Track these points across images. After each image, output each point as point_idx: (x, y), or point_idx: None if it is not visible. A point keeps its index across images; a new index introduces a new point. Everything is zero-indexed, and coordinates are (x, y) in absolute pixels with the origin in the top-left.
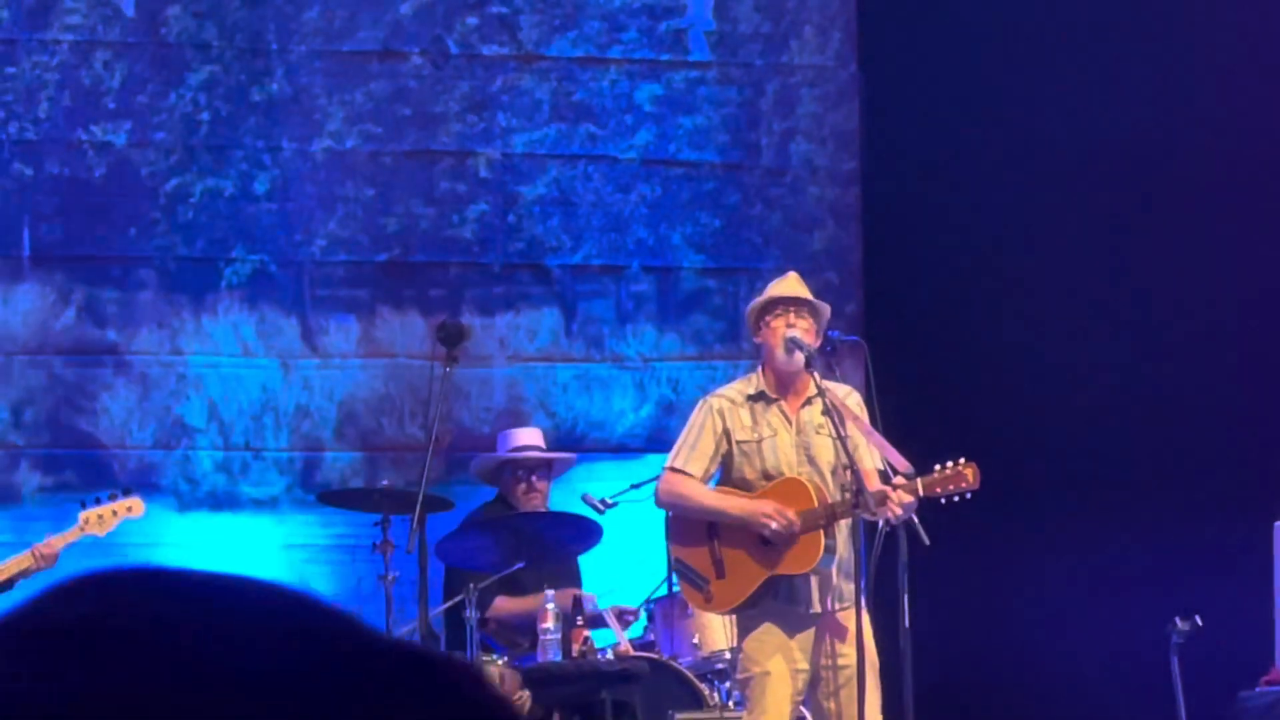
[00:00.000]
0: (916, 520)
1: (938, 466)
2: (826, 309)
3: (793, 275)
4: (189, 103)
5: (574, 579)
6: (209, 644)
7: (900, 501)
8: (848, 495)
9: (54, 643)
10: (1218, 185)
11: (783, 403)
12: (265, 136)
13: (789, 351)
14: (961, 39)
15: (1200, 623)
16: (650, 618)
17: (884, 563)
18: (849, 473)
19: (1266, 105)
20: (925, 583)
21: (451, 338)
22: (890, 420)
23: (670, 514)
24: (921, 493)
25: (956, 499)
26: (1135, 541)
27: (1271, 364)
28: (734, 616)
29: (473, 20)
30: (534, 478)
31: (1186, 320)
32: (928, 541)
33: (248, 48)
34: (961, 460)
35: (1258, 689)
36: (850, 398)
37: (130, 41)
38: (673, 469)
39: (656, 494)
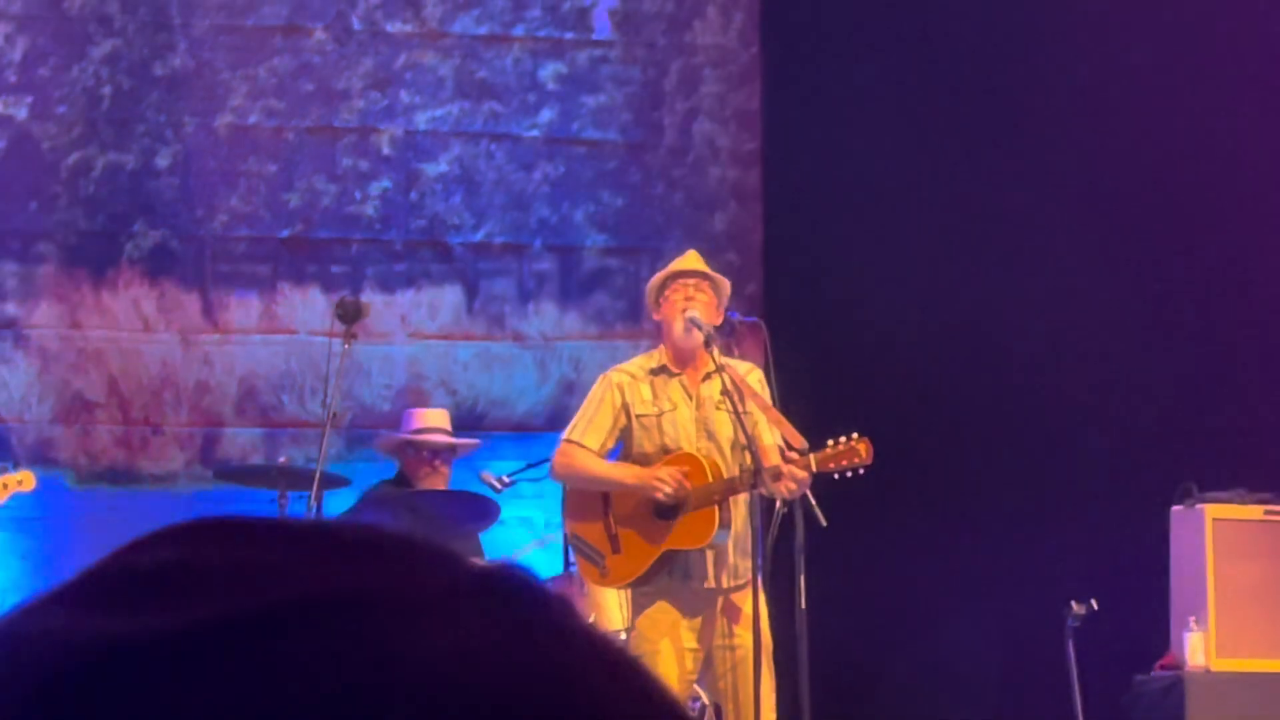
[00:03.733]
0: (813, 501)
1: (830, 442)
2: (727, 284)
3: (692, 252)
4: (91, 76)
5: (475, 557)
6: (291, 580)
7: (794, 477)
8: (745, 471)
9: (130, 586)
10: (1127, 168)
11: (683, 377)
12: (168, 111)
13: (687, 330)
14: (862, 20)
15: (1096, 607)
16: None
17: (780, 544)
18: (747, 452)
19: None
20: (821, 564)
21: (350, 315)
22: (789, 401)
23: (566, 489)
24: (815, 468)
25: (850, 474)
26: (1032, 525)
27: (1169, 350)
28: (629, 595)
29: None
30: (437, 461)
31: (1085, 306)
32: (824, 523)
33: (151, 21)
34: (854, 435)
35: (1153, 673)
36: (751, 375)
37: (33, 14)
38: (569, 440)
39: (551, 466)
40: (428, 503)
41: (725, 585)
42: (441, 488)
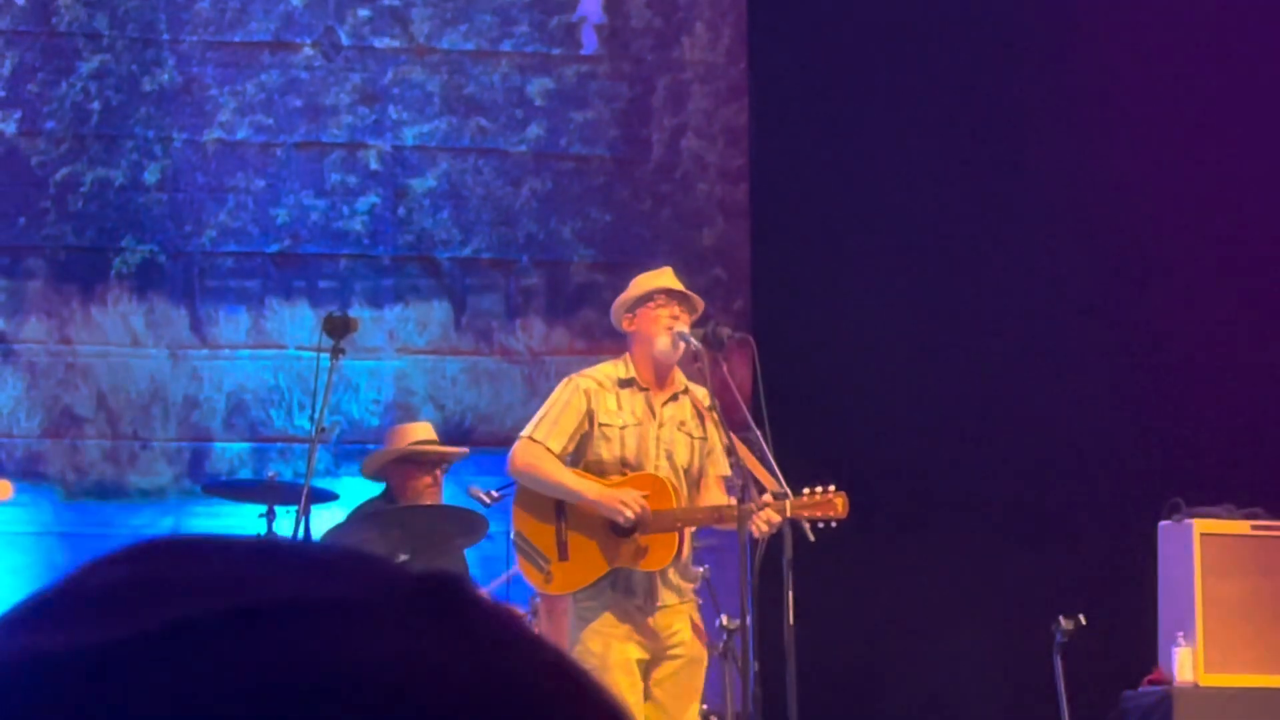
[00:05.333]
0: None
1: (807, 490)
2: (701, 304)
3: (669, 270)
4: (79, 92)
5: (459, 572)
6: (231, 592)
7: (769, 521)
8: (733, 499)
9: (78, 604)
10: (1116, 185)
11: (650, 394)
12: (156, 126)
13: (675, 346)
14: (851, 37)
15: (1084, 622)
16: (534, 612)
17: (768, 560)
18: (735, 470)
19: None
20: (809, 580)
21: (338, 330)
22: (775, 416)
23: (519, 487)
24: (789, 514)
25: (823, 526)
26: (1020, 540)
27: (1157, 365)
28: (573, 607)
29: (364, 12)
30: (438, 472)
31: (1075, 320)
32: (812, 538)
33: (139, 37)
34: (832, 487)
35: (1141, 689)
36: (707, 400)
37: (21, 30)
38: (532, 439)
39: (511, 461)
40: (415, 518)
41: (667, 602)
42: (438, 499)
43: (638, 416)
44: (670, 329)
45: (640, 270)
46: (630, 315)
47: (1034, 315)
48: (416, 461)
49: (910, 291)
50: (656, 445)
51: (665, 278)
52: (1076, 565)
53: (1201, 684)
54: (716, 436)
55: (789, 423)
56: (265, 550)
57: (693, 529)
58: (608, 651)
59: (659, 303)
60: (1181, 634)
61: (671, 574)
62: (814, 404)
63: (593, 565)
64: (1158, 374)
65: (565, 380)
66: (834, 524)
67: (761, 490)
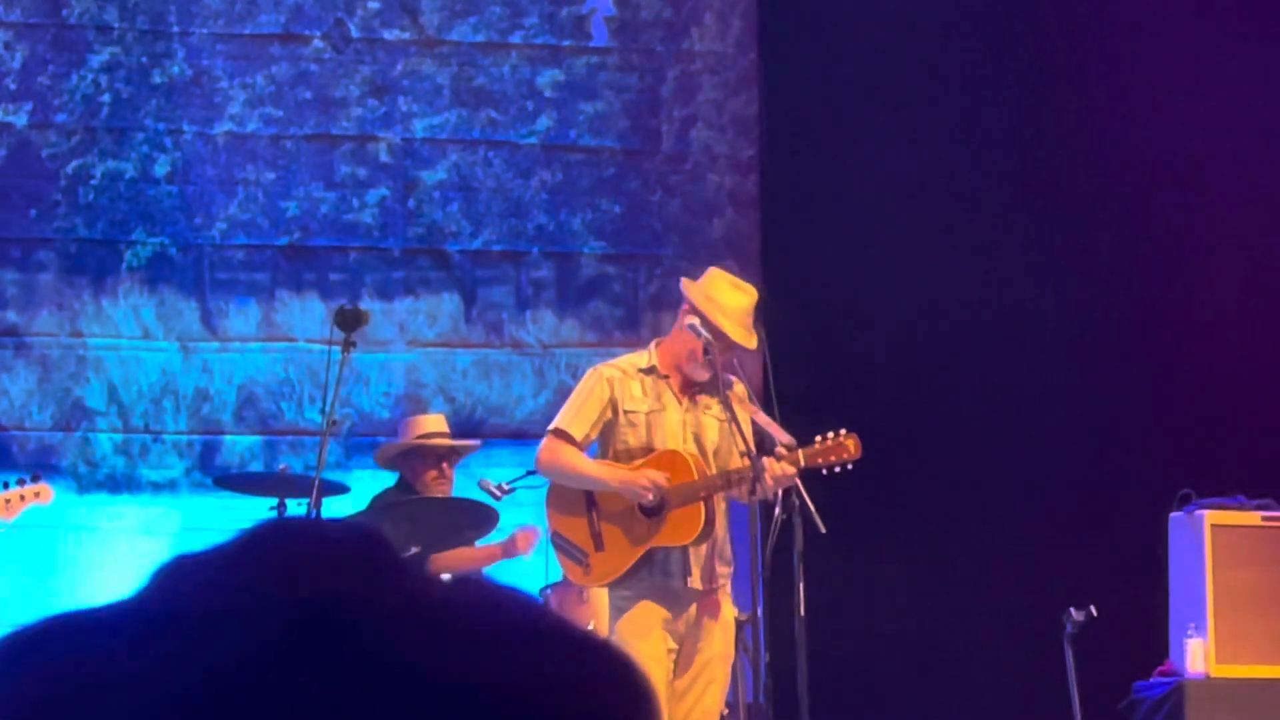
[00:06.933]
0: (812, 507)
1: (818, 438)
2: (754, 345)
3: (749, 309)
4: (90, 84)
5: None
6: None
7: (785, 473)
8: (745, 460)
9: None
10: (1129, 175)
11: (672, 380)
12: (166, 119)
13: (704, 365)
14: (861, 27)
15: (1095, 613)
16: (545, 604)
17: (779, 550)
18: (746, 459)
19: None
20: (820, 570)
21: (349, 323)
22: (786, 406)
23: (550, 485)
24: (804, 464)
25: (839, 470)
26: (1030, 531)
27: (1167, 354)
28: (607, 598)
29: (374, 4)
30: (445, 464)
31: (1086, 309)
32: (823, 528)
33: (149, 30)
34: (842, 431)
35: (1152, 680)
36: (735, 385)
37: (31, 22)
38: (556, 430)
39: (538, 457)
40: (426, 510)
41: (702, 588)
42: (448, 492)
43: (663, 403)
44: (687, 326)
45: (650, 261)
46: (688, 319)
47: (1046, 304)
48: (423, 454)
49: (921, 280)
50: (683, 429)
51: (739, 331)
52: (1087, 556)
53: (1213, 675)
54: (743, 413)
55: (799, 413)
56: (178, 562)
57: (724, 505)
58: (640, 642)
59: (722, 348)
60: (1193, 625)
61: (709, 557)
62: (824, 394)
63: (627, 550)
64: (1170, 364)
65: (590, 370)
66: (850, 466)
67: (774, 445)
